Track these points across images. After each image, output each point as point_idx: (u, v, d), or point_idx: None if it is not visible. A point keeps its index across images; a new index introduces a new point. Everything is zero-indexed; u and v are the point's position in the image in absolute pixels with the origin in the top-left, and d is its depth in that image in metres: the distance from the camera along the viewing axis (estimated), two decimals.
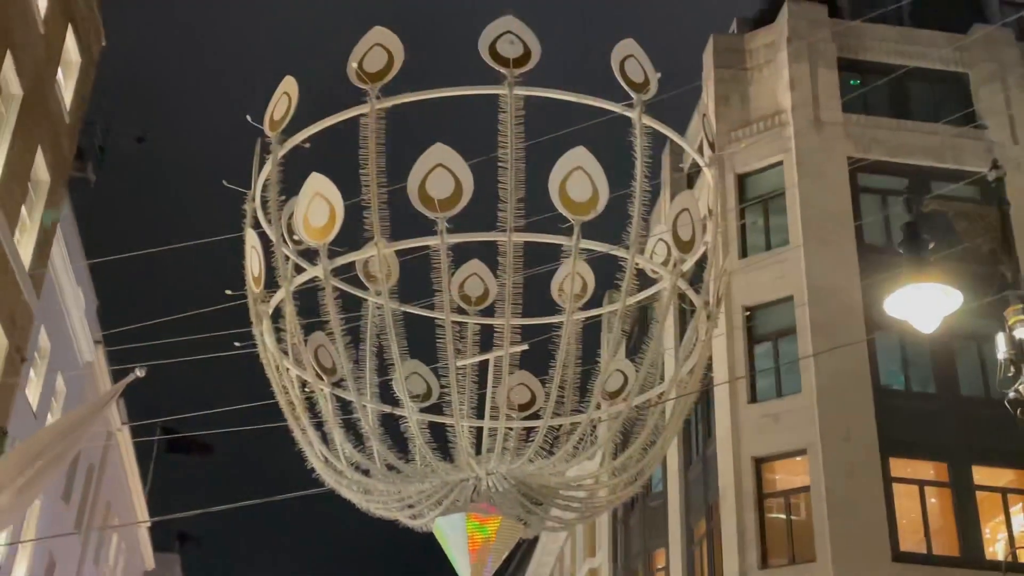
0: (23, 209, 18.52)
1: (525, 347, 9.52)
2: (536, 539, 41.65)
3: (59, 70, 19.91)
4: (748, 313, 22.12)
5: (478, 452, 9.27)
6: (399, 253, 9.49)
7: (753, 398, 21.56)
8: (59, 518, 25.81)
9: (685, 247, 9.04)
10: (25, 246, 18.87)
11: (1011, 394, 6.93)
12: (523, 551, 45.51)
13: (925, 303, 7.17)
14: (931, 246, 7.33)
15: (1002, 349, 7.02)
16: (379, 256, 8.63)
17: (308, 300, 9.33)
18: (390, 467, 9.29)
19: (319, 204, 8.51)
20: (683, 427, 17.68)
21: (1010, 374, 6.99)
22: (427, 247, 8.88)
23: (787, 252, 22.15)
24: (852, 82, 24.55)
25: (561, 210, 8.39)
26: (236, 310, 11.65)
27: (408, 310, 9.85)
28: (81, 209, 25.56)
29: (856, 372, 20.50)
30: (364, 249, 8.80)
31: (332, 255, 8.72)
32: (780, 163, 23.15)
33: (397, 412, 9.45)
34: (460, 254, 9.56)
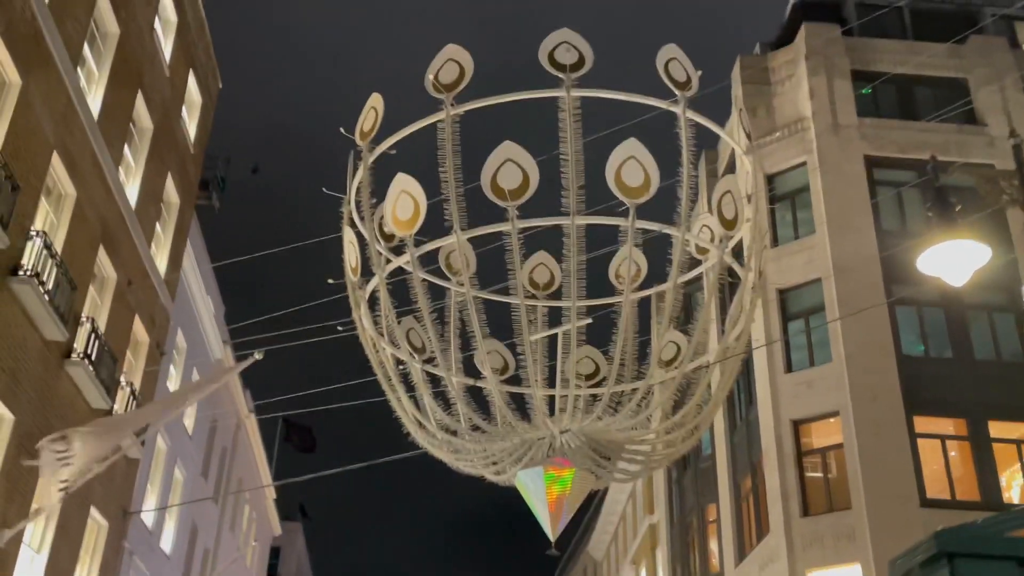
0: (157, 226, 18.73)
1: (589, 321, 9.37)
2: (602, 502, 41.29)
3: (183, 108, 20.11)
4: (782, 294, 21.60)
5: (552, 414, 9.10)
6: (475, 245, 9.33)
7: (789, 368, 21.07)
8: (199, 491, 26.03)
9: (729, 225, 8.77)
10: (160, 257, 19.07)
11: None
12: (590, 513, 45.17)
13: (956, 258, 6.63)
14: (958, 208, 6.79)
15: None
16: (458, 242, 8.41)
17: (399, 292, 9.26)
18: (475, 428, 9.11)
19: (405, 200, 8.37)
20: (728, 396, 17.47)
21: None
22: (500, 235, 8.61)
23: (814, 239, 21.69)
24: (864, 91, 23.91)
25: (617, 194, 8.11)
26: (338, 304, 11.55)
27: (485, 296, 9.69)
28: (208, 231, 25.85)
29: (880, 342, 20.00)
30: (445, 238, 8.57)
31: (417, 244, 8.56)
32: (804, 163, 22.68)
33: (480, 384, 9.40)
34: (529, 246, 9.21)
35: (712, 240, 9.24)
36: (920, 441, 19.09)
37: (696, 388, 9.59)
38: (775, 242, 21.75)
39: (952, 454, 19.41)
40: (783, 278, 21.36)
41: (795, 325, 21.67)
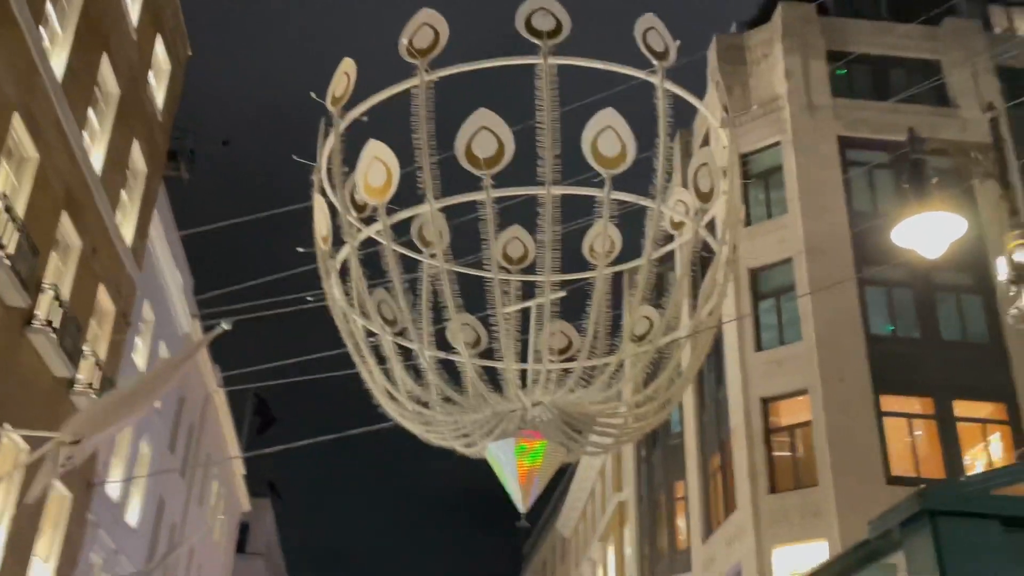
0: (123, 193, 18.39)
1: (563, 294, 9.32)
2: (571, 479, 41.47)
3: (151, 74, 19.73)
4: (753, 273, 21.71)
5: (524, 387, 9.04)
6: (449, 217, 9.23)
7: (759, 346, 21.21)
8: (166, 465, 25.78)
9: (705, 197, 8.73)
10: (126, 226, 18.74)
11: (1013, 311, 6.37)
12: (559, 491, 45.36)
13: (931, 231, 6.61)
14: (934, 181, 6.76)
15: (1003, 271, 6.46)
16: (431, 212, 8.32)
17: (370, 263, 9.12)
18: (447, 400, 9.01)
19: (377, 167, 8.22)
20: (698, 374, 17.52)
21: (1012, 293, 6.43)
22: (474, 205, 8.47)
23: (786, 219, 21.81)
24: (838, 71, 23.96)
25: (593, 164, 8.03)
26: (309, 277, 11.36)
27: (459, 270, 9.59)
28: (177, 203, 25.46)
29: (849, 322, 20.16)
30: (418, 207, 8.45)
31: (390, 213, 8.43)
32: (778, 143, 22.75)
33: (452, 357, 9.31)
34: (504, 219, 9.12)
35: (687, 213, 9.15)
36: (887, 420, 19.28)
37: (668, 363, 9.58)
38: (748, 221, 21.79)
39: (918, 433, 19.65)
40: (755, 257, 21.41)
41: (766, 304, 21.75)
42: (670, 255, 10.78)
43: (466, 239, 10.21)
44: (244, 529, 47.74)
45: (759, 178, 22.75)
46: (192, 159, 27.05)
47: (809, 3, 24.46)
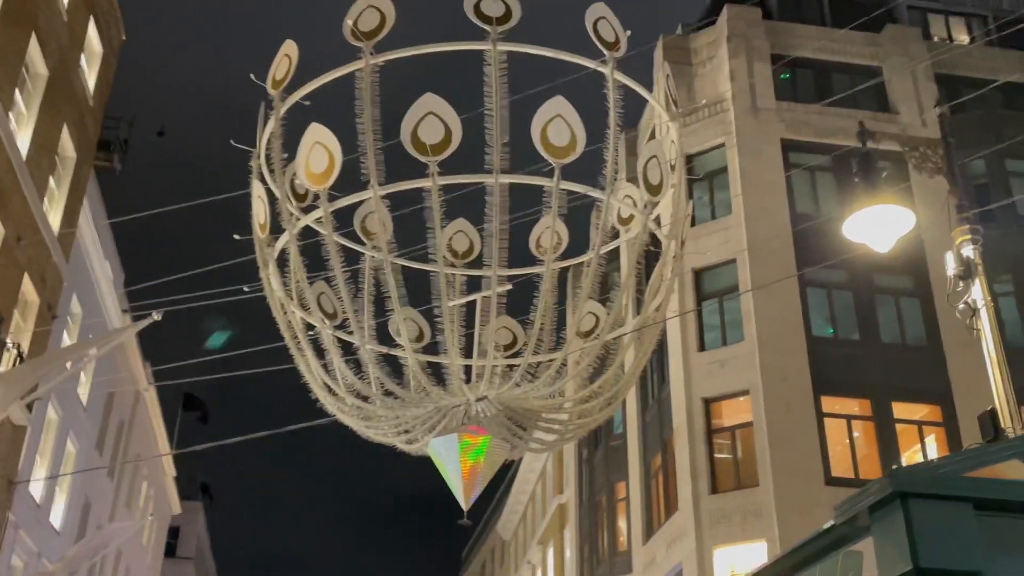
0: (51, 180, 17.74)
1: (508, 286, 9.29)
2: (511, 482, 41.35)
3: (82, 57, 19.08)
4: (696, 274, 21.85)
5: (468, 382, 8.91)
6: (391, 208, 9.04)
7: (702, 347, 21.34)
8: (93, 465, 25.00)
9: (655, 190, 8.71)
10: (54, 214, 18.09)
11: (960, 306, 6.39)
12: (499, 493, 45.21)
13: (881, 224, 6.60)
14: (884, 174, 6.77)
15: (951, 266, 6.48)
16: (375, 198, 8.11)
17: (310, 255, 8.91)
18: (388, 394, 8.83)
19: (319, 152, 8.00)
20: (641, 374, 17.52)
21: (959, 288, 6.45)
22: (419, 197, 8.28)
23: (729, 220, 21.98)
24: (783, 76, 24.26)
25: (543, 153, 7.93)
26: (246, 270, 11.08)
27: (403, 263, 9.42)
28: (109, 195, 24.74)
29: (791, 323, 20.35)
30: (360, 193, 8.24)
31: (331, 200, 8.19)
32: (722, 144, 22.94)
33: (394, 352, 9.12)
34: (449, 212, 8.96)
35: (636, 207, 9.10)
36: (827, 420, 19.50)
37: (614, 359, 9.52)
38: (692, 222, 21.88)
39: (857, 434, 19.91)
40: (698, 259, 21.49)
41: (709, 305, 21.87)
42: (613, 254, 10.73)
43: (409, 232, 10.08)
44: (174, 533, 46.71)
45: (704, 179, 22.88)
46: (125, 150, 26.32)
47: (754, 6, 24.72)
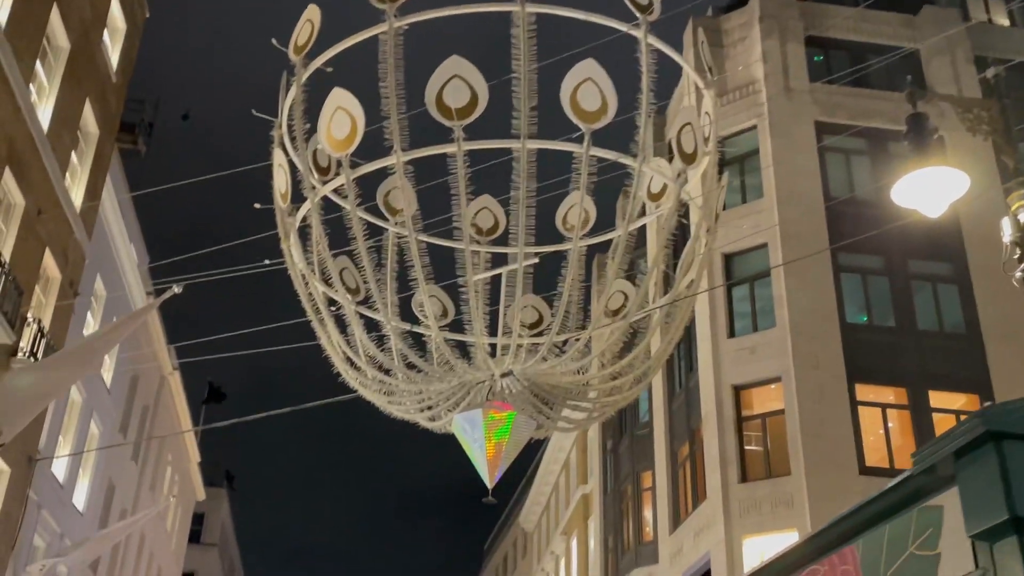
0: (73, 155, 17.67)
1: (535, 260, 9.05)
2: (534, 472, 41.23)
3: (105, 32, 18.96)
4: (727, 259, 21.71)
5: (493, 356, 8.76)
6: (416, 180, 8.87)
7: (732, 333, 21.04)
8: (117, 447, 25.07)
9: (689, 158, 8.47)
10: (76, 190, 18.02)
11: (1018, 274, 6.07)
12: (522, 485, 45.11)
13: (933, 187, 6.28)
14: (937, 135, 6.45)
15: (1007, 232, 6.16)
16: (398, 164, 7.92)
17: (332, 233, 8.79)
18: (411, 367, 8.67)
19: (341, 117, 7.79)
20: (667, 362, 17.31)
21: (1016, 256, 6.13)
22: (444, 168, 8.08)
23: (761, 204, 21.63)
24: (816, 58, 23.84)
25: (572, 118, 7.71)
26: (269, 246, 10.98)
27: (427, 240, 9.26)
28: (133, 178, 24.75)
29: (824, 309, 20.03)
30: (383, 159, 8.06)
31: (354, 167, 8.02)
32: (754, 127, 22.57)
33: (417, 330, 9.00)
34: (474, 187, 8.75)
35: (670, 176, 8.87)
36: (861, 409, 19.18)
37: (643, 337, 9.32)
38: (722, 206, 21.66)
39: (891, 424, 19.56)
40: (729, 242, 21.14)
41: (740, 290, 21.58)
42: (639, 239, 10.49)
43: (434, 204, 9.93)
44: (199, 520, 47.03)
45: (734, 162, 22.53)
46: (150, 132, 26.35)
47: None
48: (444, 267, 8.94)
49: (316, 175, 8.47)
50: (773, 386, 19.96)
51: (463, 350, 8.68)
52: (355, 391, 9.36)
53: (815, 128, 22.15)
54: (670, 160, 9.70)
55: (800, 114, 22.26)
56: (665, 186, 9.28)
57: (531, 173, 7.81)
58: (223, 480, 52.26)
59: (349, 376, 9.00)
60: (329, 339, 8.90)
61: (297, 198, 8.65)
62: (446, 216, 8.68)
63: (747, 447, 20.03)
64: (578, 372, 8.93)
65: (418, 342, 8.91)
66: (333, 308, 8.93)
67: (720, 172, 9.40)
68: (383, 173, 8.45)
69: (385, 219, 9.20)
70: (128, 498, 27.73)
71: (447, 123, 7.50)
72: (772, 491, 18.77)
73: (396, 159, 7.66)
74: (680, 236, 10.05)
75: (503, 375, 8.63)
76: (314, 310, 8.87)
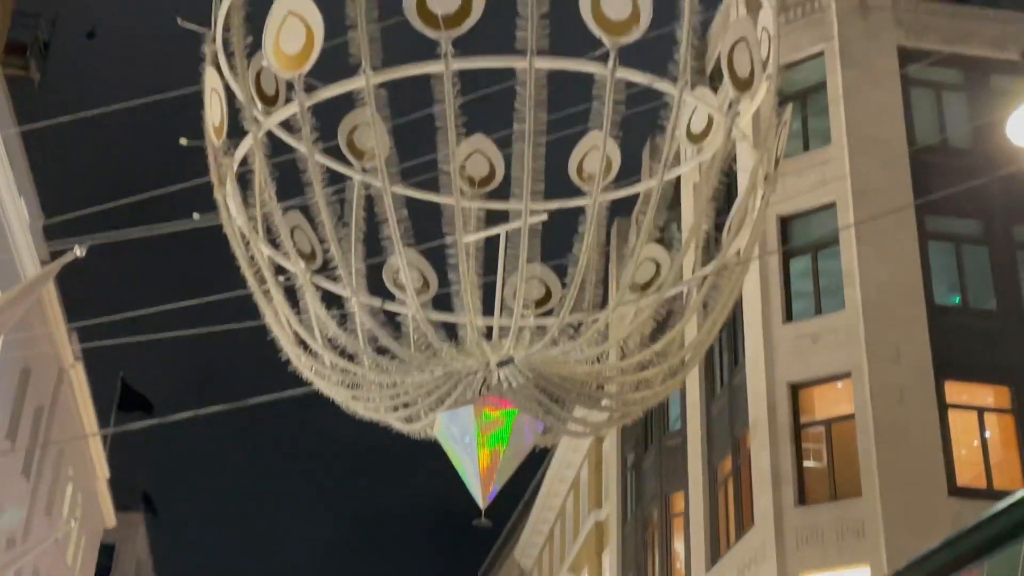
0: None
1: (543, 217, 8.96)
2: (534, 495, 41.32)
3: None
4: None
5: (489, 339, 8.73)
6: (391, 115, 8.78)
7: (788, 317, 21.07)
8: (3, 458, 25.01)
9: (743, 84, 8.33)
10: None
11: None
12: (519, 510, 45.23)
13: None
14: None
15: None
16: (368, 89, 7.77)
17: (282, 178, 8.66)
18: (382, 352, 8.61)
19: (293, 26, 7.65)
20: (705, 353, 17.31)
21: None
22: (428, 98, 7.95)
23: (828, 153, 21.59)
24: None
25: (594, 30, 7.65)
26: (198, 194, 10.97)
27: (402, 191, 9.24)
28: (23, 112, 24.54)
29: (907, 287, 20.07)
30: (347, 80, 7.98)
31: (310, 92, 7.92)
32: (821, 54, 22.53)
33: (391, 308, 9.01)
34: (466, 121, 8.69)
35: (719, 108, 8.83)
36: (952, 413, 19.26)
37: (679, 317, 9.25)
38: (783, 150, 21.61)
39: (990, 431, 19.66)
40: (786, 203, 21.09)
41: (799, 263, 21.57)
42: (672, 196, 10.50)
43: (412, 151, 9.90)
44: (108, 552, 47.06)
45: (794, 100, 22.42)
46: (45, 54, 26.17)
47: None
48: (426, 226, 9.12)
49: (260, 103, 8.34)
50: (840, 384, 19.99)
51: (450, 332, 8.72)
52: (309, 384, 9.33)
53: (898, 55, 22.11)
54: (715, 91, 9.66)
55: (879, 38, 22.25)
56: (709, 124, 9.23)
57: (539, 101, 7.67)
58: (140, 503, 52.33)
59: (301, 364, 8.94)
60: (276, 316, 8.87)
61: (236, 133, 8.53)
62: (429, 158, 8.81)
63: (806, 462, 20.08)
64: (596, 361, 8.91)
65: (391, 321, 8.93)
66: (282, 277, 8.90)
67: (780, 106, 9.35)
68: (348, 102, 8.39)
69: (350, 163, 9.23)
70: (16, 522, 27.70)
71: (432, 35, 7.38)
72: (838, 517, 18.79)
73: (365, 82, 7.51)
74: (725, 193, 9.99)
75: (501, 364, 8.63)
76: (257, 279, 8.86)
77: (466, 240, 8.35)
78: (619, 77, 7.68)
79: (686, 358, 9.56)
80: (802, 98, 22.47)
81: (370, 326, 8.52)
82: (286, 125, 8.48)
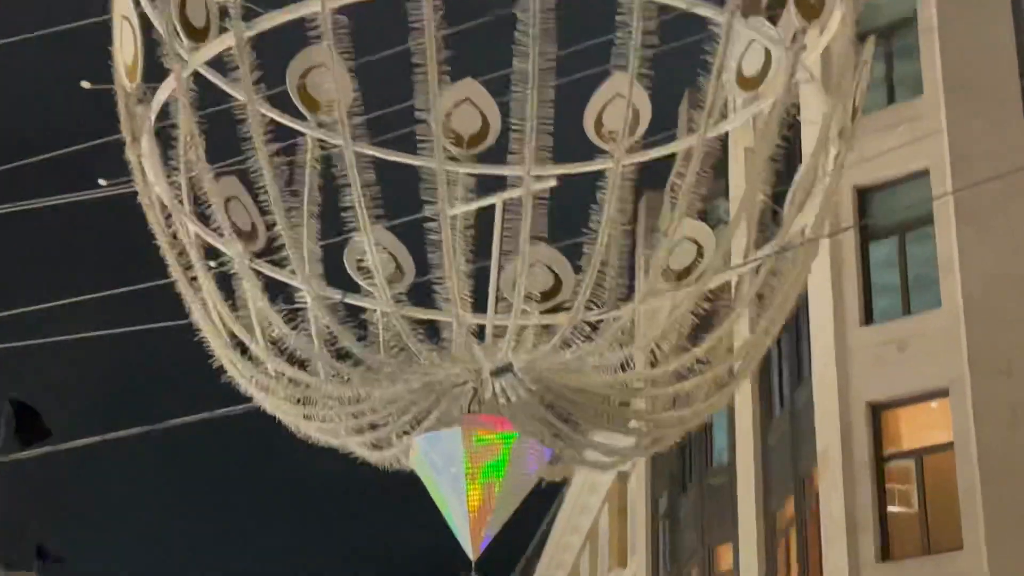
0: None
1: (552, 183, 8.96)
2: (540, 548, 41.64)
3: None
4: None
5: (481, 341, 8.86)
6: (355, 55, 8.91)
7: (868, 318, 21.26)
8: None
9: (811, 11, 8.55)
10: None
11: None
12: (520, 569, 45.51)
13: None
14: None
15: None
16: (324, 16, 7.96)
17: (212, 131, 8.80)
18: (343, 357, 8.75)
19: None
20: (760, 365, 17.45)
21: None
22: (404, 18, 8.06)
23: (919, 105, 21.76)
24: None
25: None
26: (107, 153, 11.12)
27: (370, 151, 9.36)
28: None
29: (1021, 278, 20.11)
30: (299, 5, 8.19)
31: (249, 17, 8.14)
32: None
33: (355, 301, 9.10)
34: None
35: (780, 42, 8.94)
36: None
37: (727, 312, 9.34)
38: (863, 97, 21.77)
39: None
40: (865, 170, 21.17)
41: (882, 248, 21.73)
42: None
43: (381, 102, 10.05)
44: None
45: (876, 35, 22.54)
46: None
47: None
48: (401, 197, 9.21)
49: (185, 36, 8.43)
50: (935, 404, 20.26)
51: (430, 332, 8.84)
52: (250, 399, 9.45)
53: None
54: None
55: None
56: (767, 64, 9.31)
57: (546, 31, 7.83)
58: (33, 559, 52.72)
59: (238, 372, 9.03)
60: (206, 311, 8.99)
61: (155, 76, 8.64)
62: (403, 107, 9.02)
63: (891, 505, 20.25)
64: (619, 369, 9.04)
65: (355, 318, 9.02)
66: (214, 262, 9.00)
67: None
68: (300, 36, 8.46)
69: (302, 117, 9.33)
70: None
71: None
72: (934, 574, 18.92)
73: (320, 5, 7.64)
74: (785, 157, 10.06)
75: (496, 372, 8.77)
76: (182, 264, 9.00)
77: (451, 213, 8.56)
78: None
79: (735, 367, 9.66)
80: (886, 36, 22.57)
81: (327, 324, 8.59)
82: (219, 65, 8.61)
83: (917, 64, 22.17)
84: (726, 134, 10.97)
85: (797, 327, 22.26)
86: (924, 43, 22.05)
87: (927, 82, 21.81)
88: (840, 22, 8.74)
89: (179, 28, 8.38)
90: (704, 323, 9.37)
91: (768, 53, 9.09)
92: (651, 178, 10.60)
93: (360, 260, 9.29)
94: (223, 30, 8.22)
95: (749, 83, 9.43)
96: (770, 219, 9.94)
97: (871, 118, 21.70)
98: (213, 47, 8.41)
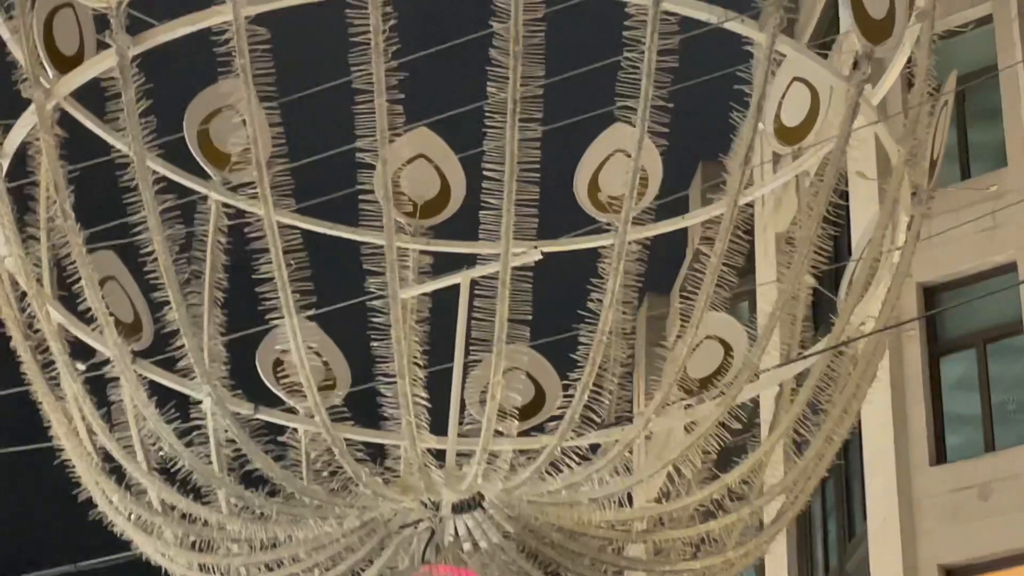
0: None
1: (538, 256, 9.16)
2: None
3: None
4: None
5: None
6: (279, 91, 9.20)
7: (941, 456, 21.35)
8: None
9: (876, 33, 8.50)
10: None
11: None
12: None
13: None
14: None
15: None
16: (237, 26, 8.03)
17: (85, 183, 8.96)
18: (254, 485, 8.80)
19: None
20: (794, 525, 17.38)
21: None
22: (343, 39, 8.23)
23: (1002, 180, 22.01)
24: None
25: None
26: None
27: (294, 223, 9.76)
28: None
29: None
30: (204, 13, 8.29)
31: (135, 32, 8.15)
32: (988, 18, 23.32)
33: (267, 416, 9.36)
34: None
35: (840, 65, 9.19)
36: None
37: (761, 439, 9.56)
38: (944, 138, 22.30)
39: None
40: (933, 261, 21.32)
41: (957, 365, 21.84)
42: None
43: (311, 148, 10.24)
44: None
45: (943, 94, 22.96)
46: None
47: None
48: (337, 278, 9.60)
49: (50, 62, 8.51)
50: None
51: (374, 454, 9.16)
52: (129, 544, 9.40)
53: None
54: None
55: None
56: (814, 105, 9.50)
57: (531, 49, 7.89)
58: None
59: (108, 506, 8.98)
60: (69, 424, 8.96)
61: (11, 109, 8.72)
62: (341, 153, 9.11)
63: None
64: (620, 504, 9.14)
65: (272, 436, 9.25)
66: (84, 363, 9.09)
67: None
68: (205, 67, 8.49)
69: (205, 174, 9.73)
70: None
71: None
72: None
73: (233, 8, 7.71)
74: (831, 239, 10.16)
75: (460, 508, 8.78)
76: (40, 364, 9.11)
77: (404, 296, 8.68)
78: (665, 7, 7.81)
79: (780, 513, 9.80)
80: (957, 90, 22.89)
81: (233, 438, 8.67)
82: (95, 106, 8.83)
83: (998, 127, 22.56)
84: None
85: (847, 469, 22.44)
86: (1007, 101, 22.39)
87: (1011, 150, 22.17)
88: (915, 44, 8.87)
89: (42, 52, 8.46)
90: (731, 449, 9.51)
91: (814, 94, 9.22)
92: (660, 271, 10.94)
93: (279, 363, 9.57)
94: (106, 45, 8.28)
95: (792, 135, 9.55)
96: (815, 317, 10.12)
97: (939, 196, 21.98)
98: (85, 71, 8.49)
